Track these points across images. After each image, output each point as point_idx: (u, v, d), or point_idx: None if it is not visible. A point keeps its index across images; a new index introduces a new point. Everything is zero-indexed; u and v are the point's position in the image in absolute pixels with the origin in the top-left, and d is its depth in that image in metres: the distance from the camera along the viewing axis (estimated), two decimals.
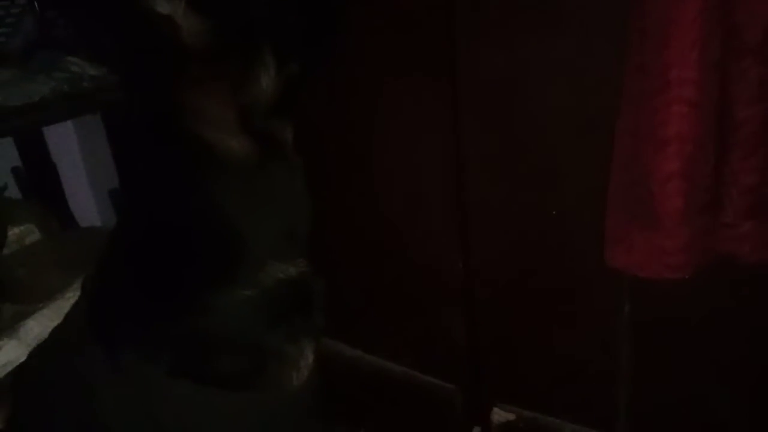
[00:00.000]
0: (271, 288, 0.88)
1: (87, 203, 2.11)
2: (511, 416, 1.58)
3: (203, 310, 0.86)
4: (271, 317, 0.89)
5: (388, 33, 1.38)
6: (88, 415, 0.90)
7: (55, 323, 1.11)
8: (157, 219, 0.89)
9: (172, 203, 0.88)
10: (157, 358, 0.86)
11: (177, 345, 0.86)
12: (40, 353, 1.04)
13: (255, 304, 0.87)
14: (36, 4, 1.74)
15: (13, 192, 1.98)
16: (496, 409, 1.59)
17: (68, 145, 2.14)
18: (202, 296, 0.86)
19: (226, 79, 0.84)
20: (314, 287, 0.95)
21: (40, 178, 2.03)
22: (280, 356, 0.90)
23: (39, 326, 1.39)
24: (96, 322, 0.92)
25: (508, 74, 1.28)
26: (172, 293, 0.87)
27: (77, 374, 0.91)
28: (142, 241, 0.91)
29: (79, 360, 0.92)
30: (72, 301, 1.06)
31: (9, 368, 1.33)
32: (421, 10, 1.33)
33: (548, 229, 1.35)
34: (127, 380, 0.87)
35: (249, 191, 0.88)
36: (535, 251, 1.40)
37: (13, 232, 1.76)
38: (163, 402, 0.87)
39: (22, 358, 1.25)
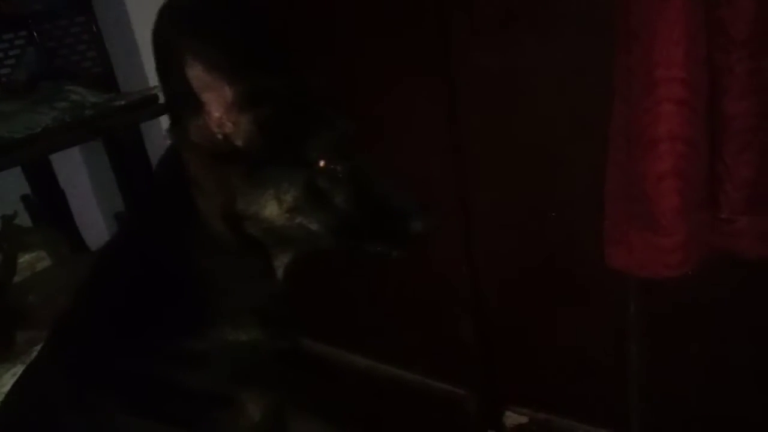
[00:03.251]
0: (219, 346, 0.96)
1: (97, 227, 2.14)
2: (524, 419, 1.57)
3: (160, 355, 0.93)
4: (219, 370, 0.96)
5: (385, 35, 1.40)
6: None
7: None
8: (146, 257, 0.96)
9: (162, 244, 0.95)
10: (113, 394, 0.92)
11: (132, 384, 0.93)
12: (13, 393, 1.07)
13: (207, 357, 0.95)
14: (36, 35, 1.77)
15: (24, 220, 2.00)
16: (508, 413, 1.59)
17: (76, 171, 2.18)
18: (160, 342, 0.94)
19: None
20: (266, 351, 1.01)
21: (50, 205, 2.06)
22: (226, 404, 0.97)
23: None
24: (62, 355, 0.98)
25: (505, 77, 1.28)
26: (135, 334, 0.94)
27: (45, 418, 0.96)
28: (118, 277, 0.97)
29: (46, 402, 0.96)
30: None
31: None
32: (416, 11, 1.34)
33: (553, 230, 1.35)
34: (91, 420, 0.92)
35: (225, 266, 0.96)
36: (540, 253, 1.40)
37: (24, 259, 1.79)
38: None
39: None
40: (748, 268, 1.07)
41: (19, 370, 1.49)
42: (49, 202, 2.07)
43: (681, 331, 1.27)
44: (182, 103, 0.87)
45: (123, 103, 1.62)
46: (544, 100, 1.27)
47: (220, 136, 0.89)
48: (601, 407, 1.44)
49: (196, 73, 0.83)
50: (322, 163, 0.93)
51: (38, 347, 1.40)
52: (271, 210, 0.91)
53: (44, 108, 1.52)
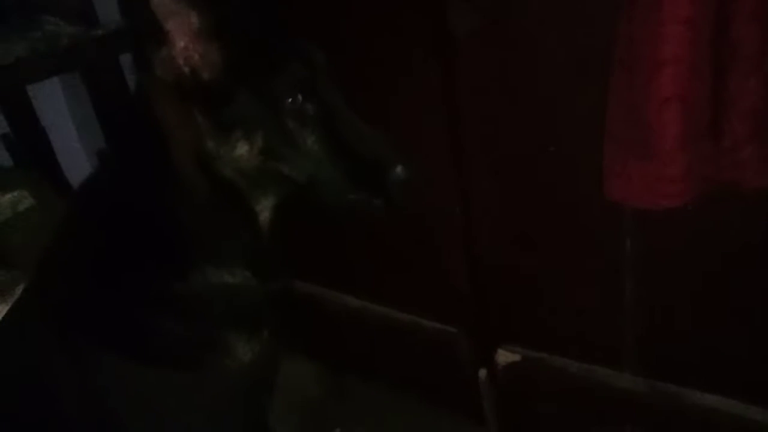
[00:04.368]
0: (203, 289, 0.94)
1: (80, 165, 2.08)
2: (517, 357, 1.57)
3: (142, 297, 0.92)
4: (203, 313, 0.95)
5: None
6: (42, 398, 0.94)
7: None
8: (121, 198, 0.93)
9: (137, 185, 0.93)
10: (97, 335, 0.91)
11: (115, 326, 0.92)
12: None
13: (187, 300, 0.94)
14: None
15: (4, 159, 1.96)
16: (501, 351, 1.59)
17: (57, 109, 2.11)
18: (141, 283, 0.92)
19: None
20: (255, 293, 0.99)
21: (31, 144, 2.00)
22: (212, 346, 0.96)
23: None
24: (48, 305, 0.96)
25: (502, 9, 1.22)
26: (115, 276, 0.93)
27: (29, 358, 0.96)
28: (99, 222, 0.95)
29: (30, 343, 0.96)
30: None
31: None
32: None
33: (547, 167, 1.31)
34: (75, 361, 0.91)
35: (201, 208, 0.93)
36: (534, 190, 1.36)
37: (6, 198, 1.75)
38: (109, 380, 0.92)
39: None
40: (747, 201, 1.04)
41: (2, 308, 1.47)
42: (30, 142, 2.01)
43: (676, 268, 1.25)
44: (146, 33, 0.84)
45: (101, 33, 1.55)
46: (542, 35, 1.21)
47: (186, 69, 0.86)
48: (594, 345, 1.44)
49: None
50: (290, 101, 0.89)
51: (21, 287, 1.39)
52: (242, 151, 0.89)
53: (16, 38, 1.45)
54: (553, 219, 1.36)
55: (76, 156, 2.14)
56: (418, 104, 1.40)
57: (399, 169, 0.91)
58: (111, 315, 0.92)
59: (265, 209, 0.99)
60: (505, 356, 1.59)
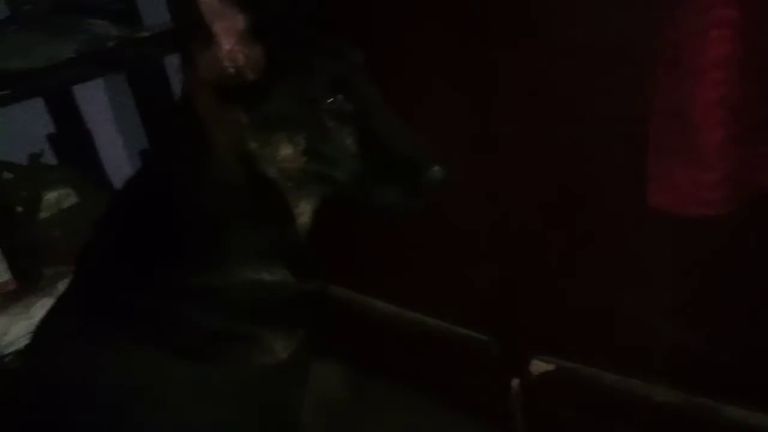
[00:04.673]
0: (240, 284, 0.95)
1: (122, 166, 2.13)
2: (551, 367, 1.55)
3: (179, 289, 0.93)
4: (239, 308, 0.95)
5: None
6: (80, 389, 0.95)
7: None
8: (162, 196, 0.95)
9: (179, 182, 0.94)
10: (132, 327, 0.92)
11: (151, 318, 0.92)
12: (39, 332, 1.08)
13: (223, 294, 0.94)
14: None
15: (49, 158, 2.01)
16: (534, 361, 1.57)
17: (101, 110, 2.17)
18: (179, 276, 0.93)
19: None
20: (292, 293, 1.00)
21: (75, 143, 2.06)
22: (249, 341, 0.96)
23: None
24: (83, 290, 0.99)
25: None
26: (153, 269, 0.94)
27: (69, 346, 0.96)
28: (136, 213, 0.97)
29: (69, 323, 0.98)
30: None
31: None
32: None
33: (585, 167, 1.29)
34: (110, 351, 0.92)
35: (243, 208, 0.94)
36: (569, 195, 1.34)
37: (51, 196, 1.81)
38: (145, 371, 0.92)
39: None
40: None
41: (46, 302, 1.51)
42: (74, 141, 2.07)
43: (717, 277, 1.22)
44: (193, 35, 0.85)
45: (146, 35, 1.59)
46: (578, 23, 1.18)
47: (231, 70, 0.87)
48: (630, 356, 1.41)
49: (207, 1, 0.81)
50: (330, 100, 0.90)
51: (64, 281, 1.42)
52: (286, 152, 0.90)
53: (64, 39, 1.50)
54: (591, 225, 1.34)
55: (118, 156, 2.18)
56: (452, 103, 1.39)
57: (436, 168, 0.90)
58: (149, 307, 0.93)
59: (305, 210, 1.00)
60: (538, 366, 1.57)
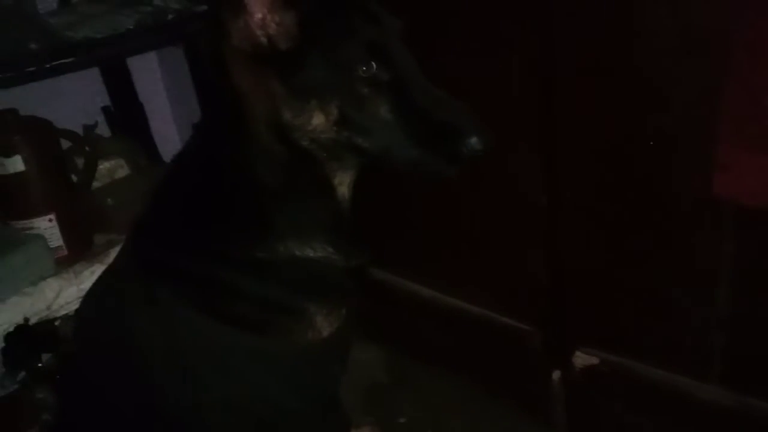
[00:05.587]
0: (285, 260, 0.95)
1: (172, 139, 2.17)
2: (595, 360, 1.52)
3: (229, 260, 0.95)
4: (285, 282, 0.96)
5: None
6: (130, 354, 0.97)
7: None
8: (208, 167, 0.96)
9: (224, 155, 0.95)
10: (185, 294, 0.93)
11: (202, 286, 0.94)
12: (93, 291, 1.10)
13: (271, 269, 0.95)
14: None
15: (103, 129, 2.06)
16: (578, 353, 1.54)
17: (154, 85, 2.20)
18: (229, 248, 0.95)
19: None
20: (338, 269, 1.00)
21: (128, 116, 2.09)
22: (293, 315, 0.97)
23: None
24: (136, 257, 1.00)
25: None
26: (204, 240, 0.95)
27: (120, 303, 0.99)
28: (187, 185, 0.99)
29: (122, 288, 1.00)
30: None
31: None
32: None
33: (644, 160, 1.25)
34: (161, 314, 0.94)
35: (281, 179, 0.94)
36: (628, 184, 1.31)
37: (104, 166, 1.85)
38: (188, 335, 0.93)
39: None
40: None
41: (96, 268, 1.54)
42: (127, 114, 2.10)
43: None
44: (224, 3, 0.85)
45: (204, 8, 1.61)
46: (648, 11, 1.15)
47: (263, 39, 0.87)
48: (680, 353, 1.37)
49: None
50: (363, 68, 0.88)
51: (115, 249, 1.45)
52: (318, 121, 0.89)
53: (128, 11, 1.52)
54: (646, 218, 1.31)
55: (169, 129, 2.22)
56: (507, 80, 1.36)
57: (474, 139, 0.88)
58: (196, 275, 0.94)
59: (342, 183, 0.99)
60: (582, 359, 1.54)
